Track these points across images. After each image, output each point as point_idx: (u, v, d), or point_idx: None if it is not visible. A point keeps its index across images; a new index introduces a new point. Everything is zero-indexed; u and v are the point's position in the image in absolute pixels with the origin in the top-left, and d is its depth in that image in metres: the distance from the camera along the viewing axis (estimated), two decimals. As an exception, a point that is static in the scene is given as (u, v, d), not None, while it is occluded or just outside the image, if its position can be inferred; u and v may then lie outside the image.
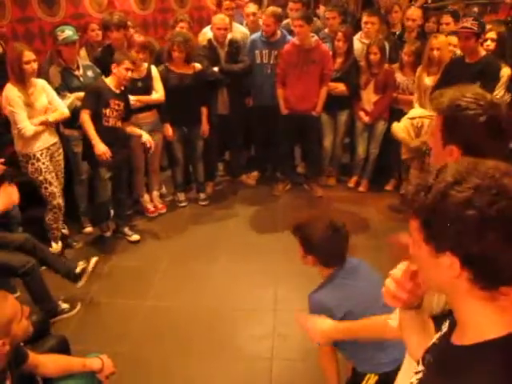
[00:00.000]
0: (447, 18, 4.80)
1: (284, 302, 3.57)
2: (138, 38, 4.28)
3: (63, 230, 4.30)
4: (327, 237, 2.05)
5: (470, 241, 0.85)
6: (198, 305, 3.58)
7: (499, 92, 3.89)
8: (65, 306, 3.43)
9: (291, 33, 4.97)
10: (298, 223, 2.17)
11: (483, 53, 3.79)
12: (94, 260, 3.52)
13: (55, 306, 3.34)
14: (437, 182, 0.88)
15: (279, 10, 4.91)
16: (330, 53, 4.82)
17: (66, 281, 3.58)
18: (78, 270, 3.41)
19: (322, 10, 5.87)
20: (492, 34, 4.22)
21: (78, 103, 4.02)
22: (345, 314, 2.01)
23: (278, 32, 4.89)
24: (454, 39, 4.35)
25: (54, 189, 3.89)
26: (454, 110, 1.40)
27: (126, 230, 4.41)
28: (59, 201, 3.96)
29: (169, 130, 4.53)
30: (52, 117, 3.80)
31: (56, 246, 4.04)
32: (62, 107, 3.86)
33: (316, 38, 4.71)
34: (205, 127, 4.71)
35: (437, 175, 0.89)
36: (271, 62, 4.91)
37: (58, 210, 3.98)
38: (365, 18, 4.99)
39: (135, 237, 4.38)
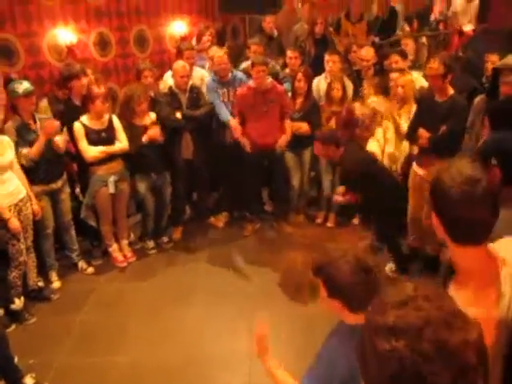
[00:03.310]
0: (395, 57, 5.01)
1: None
2: (99, 89, 4.27)
3: (39, 283, 4.23)
4: (357, 280, 1.69)
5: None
6: (171, 354, 3.53)
7: None
8: (29, 381, 3.23)
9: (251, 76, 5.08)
10: (319, 262, 1.81)
11: (451, 91, 3.94)
12: None
13: (20, 378, 3.18)
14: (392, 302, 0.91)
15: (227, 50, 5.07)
16: (289, 93, 4.98)
17: (36, 345, 3.59)
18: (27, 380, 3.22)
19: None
20: None
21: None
22: None
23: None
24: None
25: (22, 245, 3.82)
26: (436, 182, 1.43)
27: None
28: (25, 257, 3.88)
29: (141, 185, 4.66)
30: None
31: (18, 302, 3.92)
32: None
33: (271, 79, 4.85)
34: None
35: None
36: (231, 99, 5.01)
37: (24, 266, 3.90)
38: (326, 57, 5.18)
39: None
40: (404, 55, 5.03)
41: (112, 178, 4.37)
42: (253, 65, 4.74)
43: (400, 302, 0.88)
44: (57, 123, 4.08)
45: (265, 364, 2.02)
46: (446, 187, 1.36)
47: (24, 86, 3.94)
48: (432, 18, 6.72)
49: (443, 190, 1.38)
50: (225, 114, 4.92)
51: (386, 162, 4.59)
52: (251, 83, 4.81)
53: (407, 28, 6.71)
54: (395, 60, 4.97)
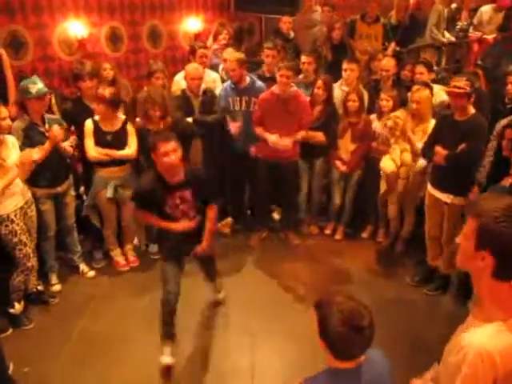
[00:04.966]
0: (420, 68, 4.78)
1: (263, 367, 3.44)
2: (103, 91, 4.06)
3: (38, 287, 4.11)
4: (342, 333, 1.64)
5: None
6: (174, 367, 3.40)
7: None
8: None
9: (264, 80, 4.90)
10: (321, 299, 1.76)
11: (472, 111, 3.72)
12: None
13: None
14: None
15: (242, 55, 4.76)
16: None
17: (32, 352, 3.51)
18: None
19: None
20: None
21: None
22: None
23: (247, 78, 4.76)
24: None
25: (29, 249, 3.71)
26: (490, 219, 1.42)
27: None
28: (33, 262, 3.78)
29: None
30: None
31: (18, 307, 3.82)
32: None
33: (295, 88, 4.61)
34: None
35: None
36: (242, 108, 4.77)
37: (31, 271, 3.80)
38: (344, 65, 4.97)
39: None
40: (430, 67, 4.82)
41: (112, 183, 4.22)
42: (279, 68, 4.49)
43: None
44: (60, 130, 3.89)
45: None
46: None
47: (38, 86, 3.75)
48: (458, 26, 6.56)
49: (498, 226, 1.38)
50: None
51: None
52: (275, 88, 4.57)
53: (447, 35, 6.51)
54: (420, 71, 4.76)
